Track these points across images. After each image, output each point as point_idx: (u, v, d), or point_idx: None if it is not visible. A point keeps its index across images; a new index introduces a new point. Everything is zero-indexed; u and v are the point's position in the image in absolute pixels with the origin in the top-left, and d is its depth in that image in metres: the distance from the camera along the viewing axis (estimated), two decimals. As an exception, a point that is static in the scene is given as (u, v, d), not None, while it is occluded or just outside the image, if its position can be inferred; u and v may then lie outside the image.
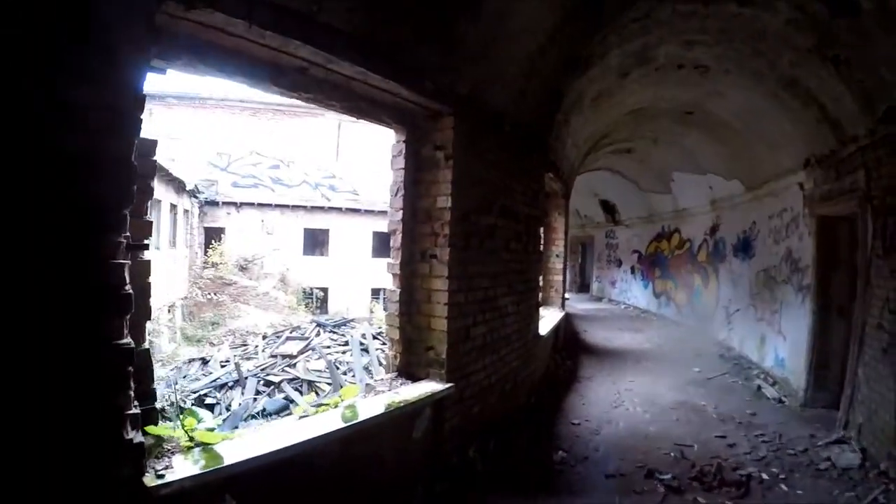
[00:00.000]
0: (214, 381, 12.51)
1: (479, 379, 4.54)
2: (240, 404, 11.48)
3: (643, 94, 7.85)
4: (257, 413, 11.26)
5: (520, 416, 5.63)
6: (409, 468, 3.68)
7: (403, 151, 4.16)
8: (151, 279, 3.00)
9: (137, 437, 2.26)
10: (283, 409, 11.39)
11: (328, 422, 3.15)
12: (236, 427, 10.79)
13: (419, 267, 4.18)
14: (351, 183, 25.21)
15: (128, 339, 2.25)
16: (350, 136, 25.06)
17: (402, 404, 3.47)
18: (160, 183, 16.00)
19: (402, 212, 4.18)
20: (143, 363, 2.79)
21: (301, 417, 3.28)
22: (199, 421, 2.96)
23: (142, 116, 2.30)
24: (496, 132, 4.72)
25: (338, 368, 12.86)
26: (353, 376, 12.56)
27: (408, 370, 4.17)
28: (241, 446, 2.77)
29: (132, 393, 2.26)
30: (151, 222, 2.83)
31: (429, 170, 4.14)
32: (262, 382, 12.41)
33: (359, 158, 25.21)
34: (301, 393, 12.03)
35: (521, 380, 5.81)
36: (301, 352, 14.01)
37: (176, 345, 17.73)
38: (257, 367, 13.27)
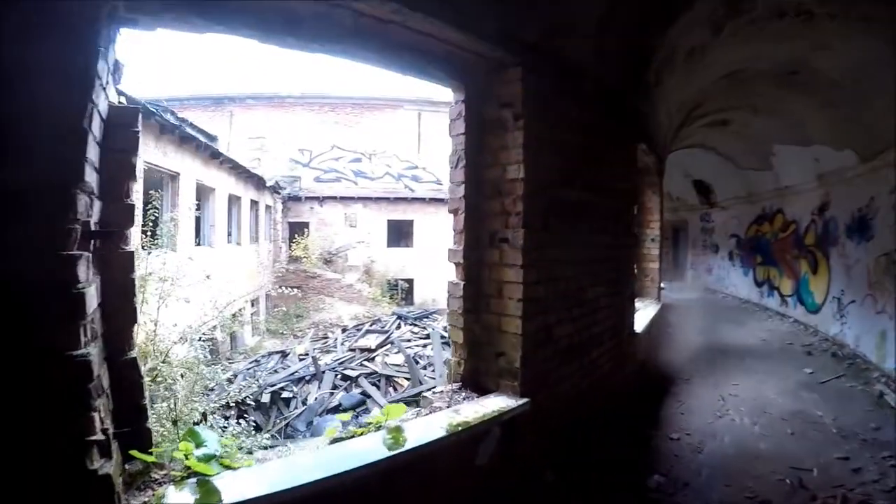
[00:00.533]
0: (292, 374, 12.37)
1: (562, 390, 3.78)
2: (315, 399, 11.25)
3: (739, 52, 6.68)
4: (333, 408, 10.99)
5: (610, 429, 4.77)
6: (469, 499, 2.96)
7: (463, 113, 3.43)
8: (137, 274, 2.44)
9: (105, 468, 1.87)
10: (360, 405, 11.04)
11: (367, 449, 2.50)
12: (311, 422, 10.57)
13: (487, 254, 3.47)
14: (433, 173, 24.80)
15: (86, 350, 1.80)
16: (431, 126, 24.62)
17: (462, 427, 2.76)
18: (238, 181, 16.15)
19: (464, 186, 3.46)
20: (129, 375, 2.29)
21: (334, 441, 2.66)
22: (201, 445, 2.40)
23: (110, 79, 2.03)
24: (575, 91, 3.87)
25: (417, 363, 12.38)
26: (433, 371, 12.04)
27: (474, 380, 3.47)
28: (249, 480, 2.18)
29: (98, 414, 1.87)
30: (133, 206, 2.28)
31: (495, 133, 3.39)
32: (339, 377, 12.14)
33: (441, 148, 24.46)
34: (378, 388, 11.65)
35: (613, 386, 4.94)
36: (380, 345, 13.68)
37: (259, 337, 17.95)
38: (335, 360, 13.04)
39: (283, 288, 15.09)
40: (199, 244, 13.36)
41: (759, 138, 11.00)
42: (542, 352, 3.43)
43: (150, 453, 2.32)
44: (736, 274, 15.56)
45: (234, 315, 15.20)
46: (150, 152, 9.49)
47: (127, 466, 2.24)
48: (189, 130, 12.88)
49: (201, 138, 12.29)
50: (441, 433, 2.68)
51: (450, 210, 3.56)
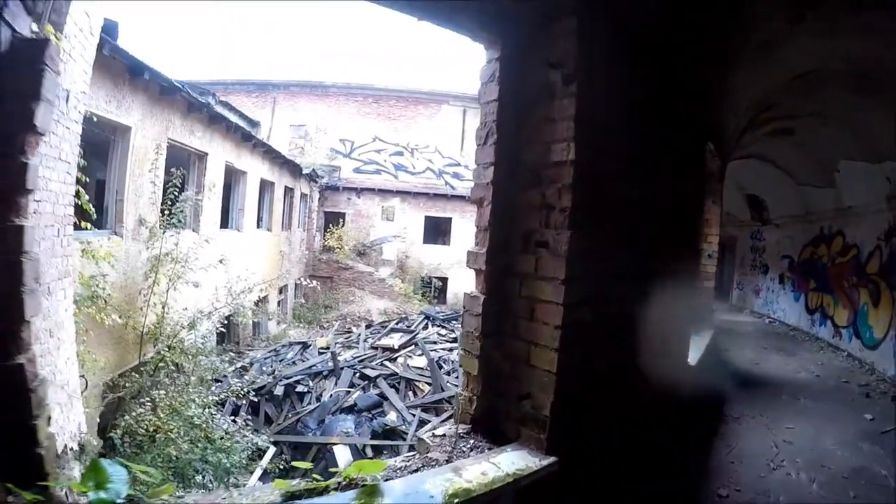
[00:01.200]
0: (309, 368, 11.84)
1: (599, 443, 2.87)
2: (330, 396, 10.67)
3: (814, 48, 5.69)
4: (348, 407, 10.40)
5: (655, 485, 3.95)
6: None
7: (497, 74, 2.64)
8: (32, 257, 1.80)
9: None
10: (376, 407, 10.41)
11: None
12: (322, 421, 10.00)
13: (518, 261, 2.67)
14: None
15: None
16: (476, 124, 23.86)
17: (462, 498, 2.01)
18: (273, 166, 15.73)
19: (493, 169, 2.68)
20: (13, 385, 1.69)
21: (287, 498, 1.96)
22: (104, 484, 1.73)
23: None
24: (639, 58, 3.00)
25: (441, 367, 11.68)
26: (457, 377, 11.33)
27: (488, 423, 2.70)
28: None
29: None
30: (26, 164, 1.63)
31: (538, 101, 2.60)
32: (357, 375, 11.55)
33: None
34: (397, 390, 11.01)
35: (660, 430, 4.10)
36: (404, 346, 13.03)
37: (285, 326, 17.54)
38: (356, 357, 12.45)
39: (306, 279, 14.79)
40: (226, 227, 12.92)
41: (823, 151, 9.88)
42: (579, 395, 2.58)
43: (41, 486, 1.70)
44: (786, 298, 14.37)
45: (257, 302, 14.99)
46: (176, 130, 9.03)
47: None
48: (219, 110, 12.47)
49: (232, 118, 11.86)
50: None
51: (473, 199, 2.79)
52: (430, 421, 9.91)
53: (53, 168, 4.42)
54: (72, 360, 5.08)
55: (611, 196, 2.73)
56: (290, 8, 72.52)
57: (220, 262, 9.52)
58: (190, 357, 7.49)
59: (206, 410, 6.59)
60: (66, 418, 4.79)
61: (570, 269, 2.44)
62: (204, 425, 6.44)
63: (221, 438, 6.71)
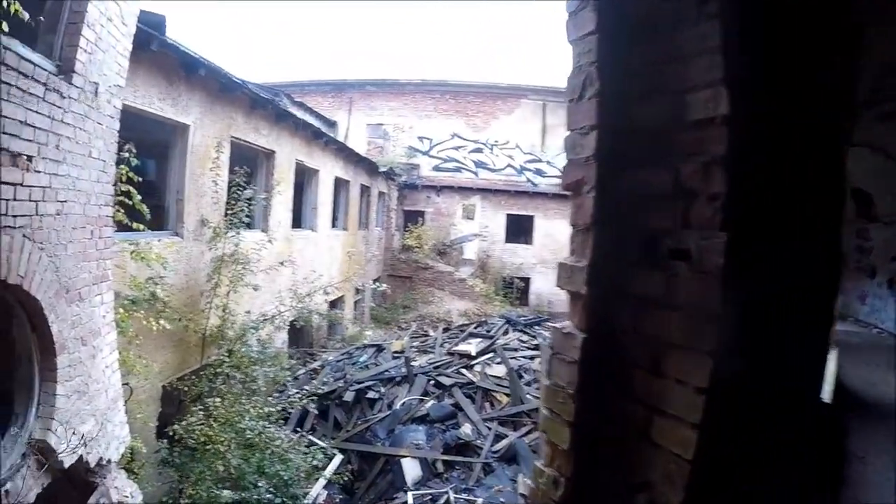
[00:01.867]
0: (381, 373, 11.42)
1: None
2: (402, 404, 10.19)
3: None
4: (420, 417, 9.87)
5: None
6: None
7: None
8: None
9: None
10: (450, 418, 9.80)
11: None
12: (392, 430, 9.53)
13: (637, 279, 1.69)
14: (558, 167, 23.16)
15: None
16: (556, 118, 22.99)
17: None
18: (347, 164, 15.52)
19: (595, 137, 1.75)
20: None
21: None
22: None
23: None
24: None
25: (521, 377, 10.92)
26: (538, 388, 10.54)
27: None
28: None
29: None
30: None
31: (657, 30, 1.64)
32: (432, 382, 11.00)
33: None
34: (473, 401, 10.37)
35: None
36: (482, 352, 12.36)
37: (361, 326, 17.35)
38: (431, 363, 11.92)
39: (383, 280, 14.43)
40: (299, 227, 12.78)
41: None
42: (723, 490, 1.59)
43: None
44: None
45: (333, 302, 14.84)
46: (239, 127, 8.83)
47: None
48: (289, 107, 12.32)
49: (307, 118, 11.61)
50: None
51: (566, 184, 1.88)
52: (506, 435, 9.22)
53: (82, 167, 4.11)
54: (113, 368, 4.81)
55: (782, 176, 1.60)
56: (364, 7, 73.53)
57: (282, 263, 9.25)
58: (244, 366, 7.19)
59: (261, 423, 6.22)
60: (103, 429, 4.51)
61: (725, 292, 1.42)
62: (256, 439, 6.07)
63: (277, 449, 6.33)
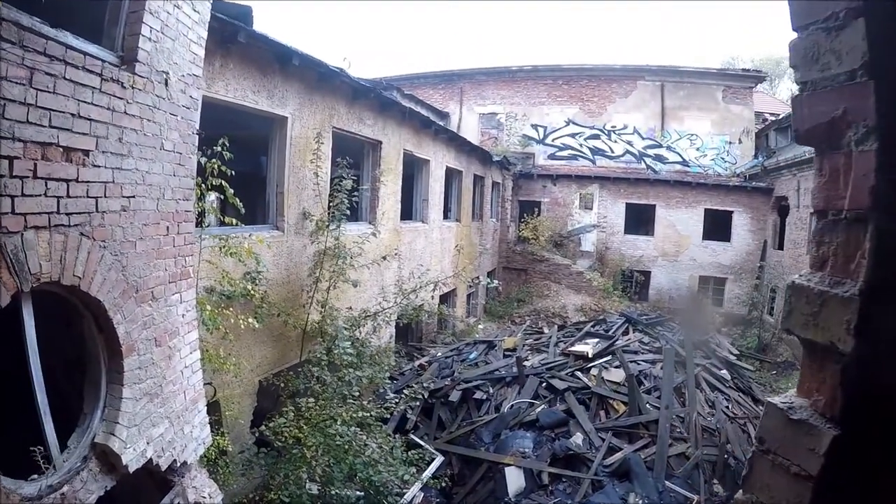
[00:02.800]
0: (491, 372, 10.91)
1: None
2: (510, 407, 9.61)
3: None
4: (529, 422, 9.22)
5: None
6: None
7: None
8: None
9: None
10: (560, 425, 9.06)
11: None
12: (498, 435, 8.98)
13: None
14: (679, 152, 21.47)
15: None
16: (677, 98, 21.20)
17: None
18: (459, 154, 15.10)
19: (861, 26, 0.85)
20: None
21: None
22: None
23: None
24: None
25: (640, 384, 9.92)
26: (658, 397, 9.52)
27: None
28: None
29: None
30: None
31: None
32: (543, 385, 10.31)
33: (687, 124, 21.52)
34: (587, 408, 9.56)
35: None
36: (599, 354, 11.44)
37: (474, 320, 16.96)
38: (543, 364, 11.21)
39: (490, 279, 13.84)
40: (409, 219, 12.58)
41: None
42: None
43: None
44: None
45: (445, 295, 14.55)
46: (342, 118, 8.65)
47: None
48: (390, 95, 12.06)
49: (404, 103, 11.31)
50: None
51: (803, 131, 1.01)
52: (620, 448, 8.37)
53: (153, 160, 3.93)
54: (193, 368, 4.68)
55: None
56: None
57: (385, 258, 8.99)
58: (340, 368, 6.96)
59: (352, 429, 5.93)
60: (179, 432, 4.39)
61: None
62: (346, 446, 5.79)
63: (368, 458, 6.02)
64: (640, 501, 7.24)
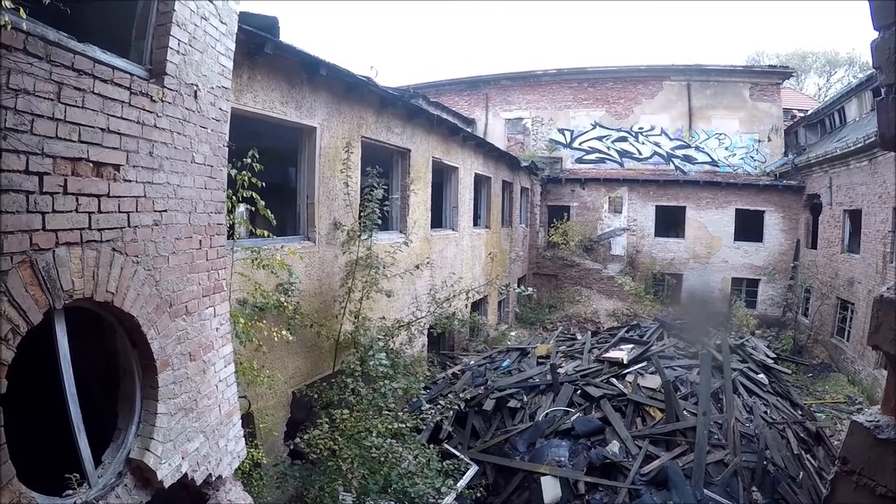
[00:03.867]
0: (524, 380, 10.74)
1: None
2: (545, 415, 9.42)
3: None
4: (564, 431, 9.02)
5: None
6: None
7: None
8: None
9: None
10: (596, 433, 8.85)
11: None
12: (533, 444, 8.80)
13: None
14: (708, 152, 21.12)
15: None
16: (704, 98, 20.81)
17: None
18: (487, 160, 15.01)
19: None
20: None
21: None
22: None
23: None
24: None
25: (676, 390, 9.64)
26: (695, 403, 9.24)
27: None
28: None
29: None
30: None
31: None
32: (578, 392, 10.10)
33: (715, 123, 21.16)
34: (623, 415, 9.32)
35: None
36: (634, 360, 11.17)
37: (506, 327, 16.79)
38: (578, 370, 10.99)
39: (522, 286, 13.71)
40: (440, 227, 12.51)
41: None
42: None
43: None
44: None
45: (477, 303, 14.43)
46: (370, 127, 8.64)
47: None
48: (421, 104, 12.04)
49: (430, 111, 11.26)
50: None
51: (888, 136, 0.97)
52: (658, 456, 8.14)
53: (184, 173, 3.92)
54: (227, 382, 4.65)
55: None
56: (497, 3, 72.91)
57: (417, 267, 8.91)
58: (373, 379, 6.90)
59: (388, 441, 5.85)
60: (214, 446, 4.35)
61: None
62: (382, 458, 5.71)
63: (404, 470, 5.94)
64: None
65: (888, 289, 0.93)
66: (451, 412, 8.01)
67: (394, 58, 70.51)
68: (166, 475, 3.65)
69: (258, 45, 5.71)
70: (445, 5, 74.05)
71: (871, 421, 0.95)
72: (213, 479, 4.27)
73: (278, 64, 6.39)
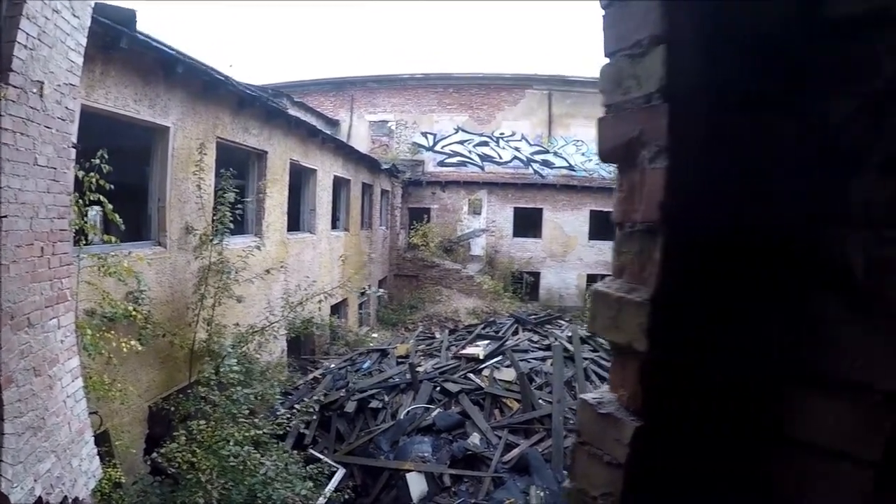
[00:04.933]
0: (385, 380, 10.95)
1: None
2: (407, 413, 9.71)
3: None
4: (426, 427, 9.38)
5: None
6: None
7: None
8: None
9: None
10: (457, 427, 9.28)
11: None
12: (396, 442, 9.06)
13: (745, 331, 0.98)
14: (566, 158, 22.75)
15: None
16: (564, 106, 22.49)
17: None
18: (347, 163, 15.06)
19: (661, 53, 0.92)
20: None
21: None
22: None
23: None
24: None
25: (532, 381, 10.39)
26: (550, 392, 10.03)
27: None
28: None
29: None
30: None
31: None
32: (438, 389, 10.50)
33: (573, 131, 22.71)
34: (482, 408, 9.86)
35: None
36: (490, 355, 11.83)
37: (367, 329, 16.92)
38: (437, 368, 11.42)
39: (379, 288, 13.98)
40: (297, 230, 12.34)
41: None
42: None
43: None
44: None
45: (336, 306, 14.38)
46: (226, 128, 8.38)
47: None
48: (286, 107, 11.86)
49: (296, 115, 11.15)
50: None
51: (606, 150, 1.09)
52: (517, 444, 8.71)
53: (26, 176, 3.65)
54: (76, 397, 4.37)
55: None
56: (366, 5, 73.09)
57: (268, 271, 8.71)
58: (226, 387, 6.75)
59: (245, 448, 5.77)
60: (66, 466, 4.09)
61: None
62: (241, 467, 5.63)
63: (263, 477, 5.88)
64: (542, 493, 7.58)
65: (601, 283, 1.09)
66: (309, 416, 8.02)
67: (263, 56, 67.59)
68: (19, 499, 3.41)
69: (113, 39, 5.38)
70: (318, 5, 72.25)
71: (595, 398, 1.09)
72: (70, 501, 4.02)
73: (133, 59, 6.04)
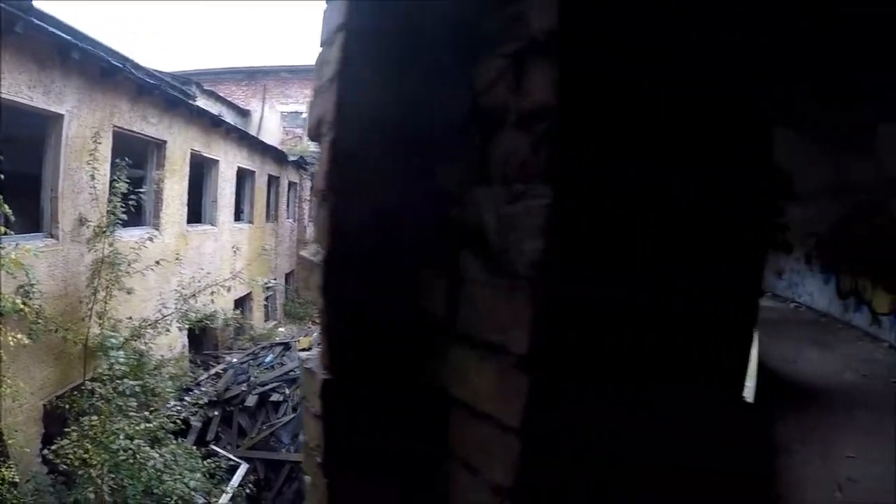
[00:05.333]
0: (286, 373, 11.00)
1: None
2: (310, 406, 9.85)
3: None
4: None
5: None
6: None
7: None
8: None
9: None
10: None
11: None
12: (297, 435, 9.17)
13: (422, 289, 1.07)
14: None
15: None
16: None
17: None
18: (252, 154, 14.82)
19: (341, 41, 1.03)
20: None
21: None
22: None
23: None
24: None
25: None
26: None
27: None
28: None
29: None
30: None
31: None
32: (339, 381, 10.69)
33: None
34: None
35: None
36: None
37: (274, 323, 16.75)
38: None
39: (275, 281, 13.79)
40: (198, 222, 12.05)
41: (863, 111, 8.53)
42: None
43: None
44: (813, 281, 12.93)
45: (239, 300, 14.07)
46: (123, 116, 8.13)
47: None
48: (196, 95, 11.56)
49: (203, 100, 10.91)
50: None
51: (310, 131, 1.28)
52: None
53: None
54: (-38, 396, 4.27)
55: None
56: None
57: (158, 263, 8.44)
58: (113, 380, 6.66)
59: (135, 442, 5.77)
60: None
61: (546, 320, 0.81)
62: (131, 460, 5.62)
63: (153, 471, 5.90)
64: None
65: (306, 250, 1.17)
66: (202, 410, 8.03)
67: (178, 42, 63.64)
68: None
69: (8, 23, 5.16)
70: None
71: (306, 355, 1.20)
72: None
73: (28, 44, 5.82)
